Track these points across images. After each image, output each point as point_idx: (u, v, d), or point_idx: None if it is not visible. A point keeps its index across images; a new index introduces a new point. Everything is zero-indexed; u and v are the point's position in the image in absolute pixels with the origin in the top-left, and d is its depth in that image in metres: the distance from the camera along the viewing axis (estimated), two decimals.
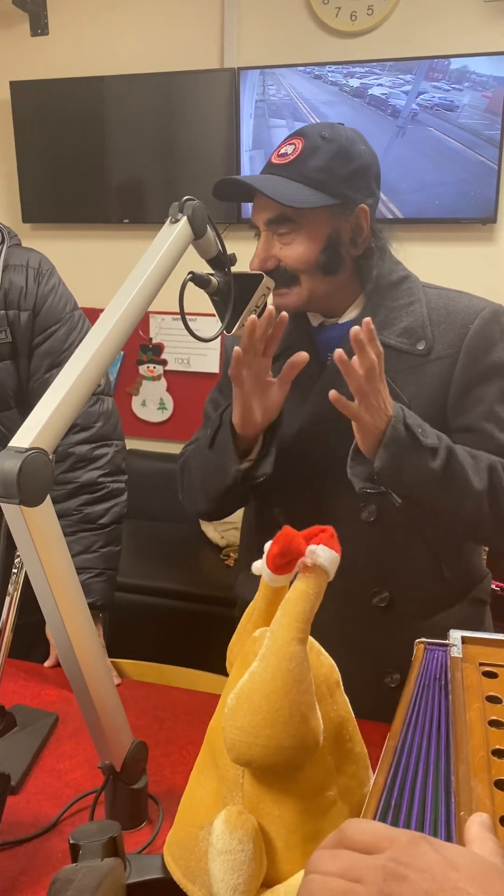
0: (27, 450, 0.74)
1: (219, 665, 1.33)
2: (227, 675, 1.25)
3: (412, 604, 1.20)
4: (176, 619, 2.73)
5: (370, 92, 2.76)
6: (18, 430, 0.77)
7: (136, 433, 3.36)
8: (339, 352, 0.99)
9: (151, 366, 3.33)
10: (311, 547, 0.65)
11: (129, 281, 0.91)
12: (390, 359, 1.13)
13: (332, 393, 1.01)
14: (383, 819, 0.57)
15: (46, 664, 1.31)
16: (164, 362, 3.31)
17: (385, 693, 1.18)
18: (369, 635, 1.20)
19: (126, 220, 3.14)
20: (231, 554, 2.91)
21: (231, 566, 2.85)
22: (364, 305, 1.20)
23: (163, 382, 3.35)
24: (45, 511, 0.76)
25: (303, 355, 1.11)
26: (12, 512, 0.74)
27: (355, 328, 0.98)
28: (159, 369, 3.33)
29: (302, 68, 2.80)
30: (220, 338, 1.08)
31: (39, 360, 1.34)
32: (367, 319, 1.00)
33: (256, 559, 0.75)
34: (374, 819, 0.57)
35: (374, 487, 1.07)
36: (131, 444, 2.96)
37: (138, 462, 3.18)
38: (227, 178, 1.15)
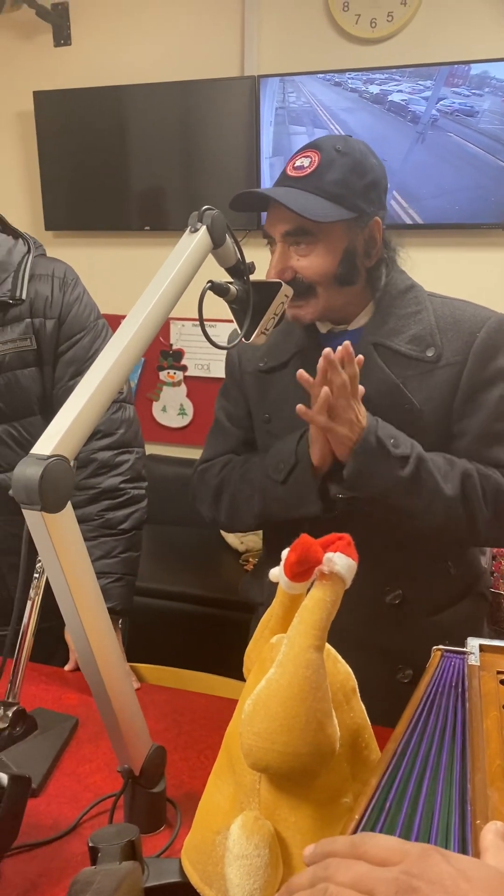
0: (49, 457, 0.75)
1: (236, 670, 1.34)
2: (244, 680, 1.27)
3: (422, 600, 1.25)
4: (194, 623, 2.74)
5: (390, 98, 2.76)
6: (40, 438, 0.78)
7: (156, 438, 3.38)
8: (300, 372, 1.08)
9: (172, 371, 3.35)
10: (328, 555, 0.66)
11: (148, 290, 0.92)
12: (401, 365, 1.19)
13: (300, 407, 1.09)
14: (374, 822, 0.58)
15: (66, 668, 1.33)
16: (184, 368, 3.33)
17: (397, 689, 1.22)
18: (381, 632, 1.23)
19: (147, 228, 3.17)
20: (250, 559, 2.91)
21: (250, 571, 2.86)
22: (373, 313, 1.23)
23: (183, 388, 3.37)
24: (67, 517, 0.77)
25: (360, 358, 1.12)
26: (34, 518, 0.76)
27: (328, 350, 1.04)
28: (179, 375, 3.35)
29: (322, 75, 2.82)
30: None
31: (64, 368, 1.36)
32: (347, 343, 1.06)
33: (274, 564, 0.77)
34: (361, 823, 0.58)
35: (345, 493, 1.15)
36: (151, 449, 2.98)
37: (158, 467, 3.20)
38: (247, 190, 1.17)
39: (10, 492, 0.75)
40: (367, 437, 1.09)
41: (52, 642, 1.33)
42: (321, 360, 1.05)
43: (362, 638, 1.06)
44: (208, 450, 1.42)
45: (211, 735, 1.14)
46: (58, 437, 0.77)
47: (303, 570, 0.67)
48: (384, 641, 1.23)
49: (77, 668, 1.31)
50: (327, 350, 1.05)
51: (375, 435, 1.10)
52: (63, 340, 1.36)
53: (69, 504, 0.78)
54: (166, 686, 1.29)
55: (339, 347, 1.05)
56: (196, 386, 3.35)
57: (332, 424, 1.08)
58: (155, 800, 0.93)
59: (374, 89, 2.77)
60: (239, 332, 1.12)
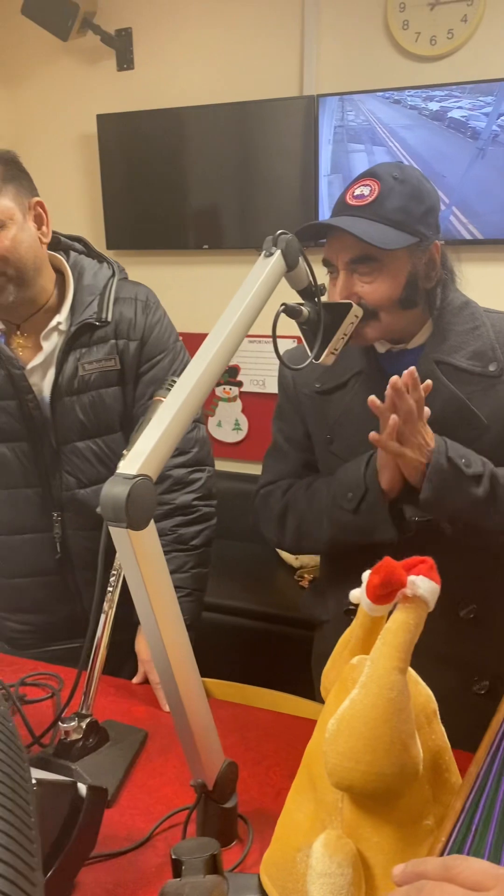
0: (134, 476, 0.77)
1: (289, 685, 1.35)
2: (301, 694, 1.29)
3: (497, 614, 1.26)
4: (246, 637, 2.74)
5: (450, 115, 2.76)
6: (126, 457, 0.81)
7: (217, 454, 3.41)
8: (372, 398, 1.08)
9: (227, 387, 3.38)
10: (412, 578, 0.67)
11: (226, 314, 0.94)
12: (464, 381, 1.21)
13: (372, 434, 1.09)
14: (461, 845, 0.58)
15: (135, 681, 1.35)
16: (239, 384, 3.36)
17: (473, 701, 1.24)
18: (456, 646, 1.24)
19: (205, 246, 3.22)
20: (305, 575, 2.91)
21: (305, 587, 2.86)
22: (432, 332, 1.25)
23: (238, 403, 3.40)
24: (150, 534, 0.80)
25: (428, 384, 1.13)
26: (119, 534, 0.78)
27: (395, 378, 1.05)
28: (235, 391, 3.38)
29: (381, 93, 2.83)
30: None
31: (144, 388, 1.41)
32: (412, 369, 1.07)
33: (339, 581, 0.78)
34: (448, 845, 0.58)
35: (423, 516, 1.16)
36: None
37: (222, 483, 3.22)
38: (313, 223, 1.20)
39: (98, 509, 0.77)
40: (437, 460, 1.10)
41: (121, 655, 1.35)
42: (388, 389, 1.06)
43: (437, 651, 1.06)
44: (269, 472, 1.44)
45: (278, 752, 1.15)
46: (143, 457, 0.80)
47: (386, 593, 0.68)
48: (459, 654, 1.24)
49: (145, 681, 1.34)
50: (394, 378, 1.06)
51: (446, 456, 1.11)
52: (144, 361, 1.41)
53: (152, 521, 0.80)
54: (232, 701, 1.31)
55: (405, 373, 1.06)
56: (251, 402, 3.37)
57: (403, 450, 1.09)
58: (227, 815, 0.95)
59: (434, 106, 2.77)
60: (309, 352, 1.14)
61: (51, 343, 1.35)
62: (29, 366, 1.35)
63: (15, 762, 0.50)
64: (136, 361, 1.40)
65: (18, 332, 1.36)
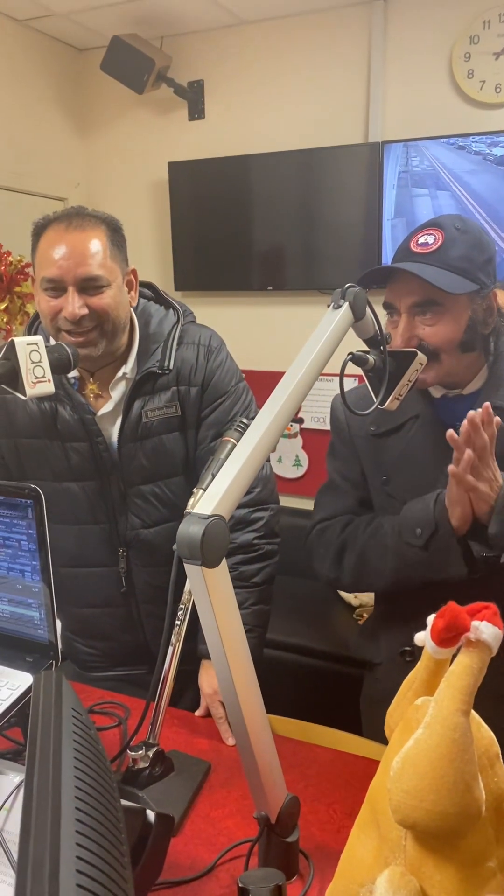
0: (209, 516, 0.82)
1: (342, 723, 1.35)
2: (357, 733, 1.29)
3: None
4: (303, 675, 2.74)
5: None
6: (199, 496, 0.86)
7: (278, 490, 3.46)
8: (450, 433, 1.11)
9: (289, 424, 3.43)
10: (476, 623, 0.69)
11: (296, 362, 0.99)
12: None
13: (451, 467, 1.12)
14: None
15: (197, 713, 1.38)
16: (300, 420, 3.41)
17: None
18: None
19: (269, 288, 3.30)
20: (364, 614, 2.91)
21: (361, 629, 2.85)
22: (488, 378, 1.30)
23: (299, 440, 3.45)
24: (222, 572, 0.84)
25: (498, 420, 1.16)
26: (194, 572, 0.83)
27: (472, 412, 1.09)
28: (296, 427, 3.43)
29: (445, 139, 2.88)
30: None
31: (206, 431, 1.46)
32: (487, 404, 1.11)
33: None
34: None
35: (492, 552, 1.17)
36: None
37: (282, 518, 3.26)
38: (381, 266, 1.26)
39: (174, 546, 0.82)
40: None
41: (179, 686, 1.39)
42: (465, 423, 1.10)
43: (498, 690, 1.08)
44: (324, 508, 1.46)
45: (338, 789, 1.17)
46: (217, 497, 0.84)
47: (450, 637, 0.70)
48: None
49: (208, 714, 1.37)
50: (472, 413, 1.10)
51: None
52: (206, 406, 1.46)
53: (224, 559, 0.84)
54: (293, 738, 1.33)
55: (481, 409, 1.10)
56: (312, 438, 3.42)
57: (478, 483, 1.12)
58: (289, 849, 0.97)
59: (499, 151, 2.81)
60: (374, 398, 1.18)
61: (118, 392, 1.43)
62: (100, 412, 1.43)
63: (109, 791, 0.54)
64: (197, 406, 1.46)
65: (91, 380, 1.44)
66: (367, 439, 1.38)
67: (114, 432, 1.44)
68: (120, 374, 1.42)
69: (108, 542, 1.49)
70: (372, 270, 1.26)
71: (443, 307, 1.22)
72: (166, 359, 1.43)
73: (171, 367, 1.43)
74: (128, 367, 1.42)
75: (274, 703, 1.55)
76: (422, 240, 1.24)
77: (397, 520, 1.28)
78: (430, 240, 1.23)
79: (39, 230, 1.34)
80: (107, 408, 1.43)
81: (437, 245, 1.22)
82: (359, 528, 1.37)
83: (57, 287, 1.30)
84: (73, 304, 1.29)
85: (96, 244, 1.31)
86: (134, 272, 1.42)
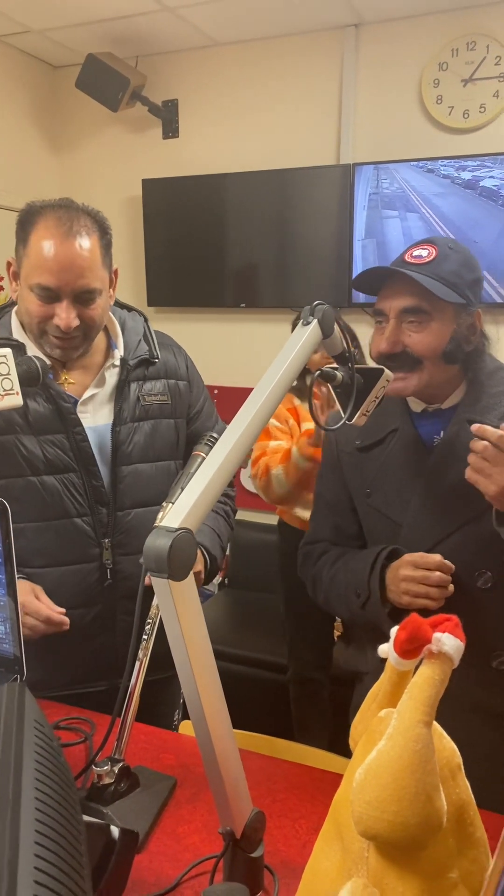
0: (177, 529, 0.82)
1: (314, 739, 1.36)
2: (329, 750, 1.30)
3: None
4: (271, 690, 2.75)
5: (482, 184, 2.86)
6: (169, 511, 0.86)
7: (241, 504, 3.45)
8: (480, 444, 1.12)
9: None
10: (437, 635, 0.70)
11: (265, 378, 1.00)
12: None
13: (469, 474, 1.13)
14: None
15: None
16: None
17: None
18: (489, 697, 1.26)
19: (242, 305, 3.33)
20: (338, 626, 2.91)
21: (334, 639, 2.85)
22: (465, 393, 1.33)
23: None
24: (189, 585, 0.84)
25: None
26: (161, 585, 0.83)
27: (477, 426, 1.11)
28: None
29: (415, 163, 2.94)
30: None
31: (198, 423, 1.59)
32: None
33: (378, 636, 0.81)
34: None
35: None
36: (238, 515, 3.05)
37: (244, 533, 3.26)
38: (380, 267, 1.29)
39: (141, 559, 0.82)
40: None
41: (153, 697, 1.38)
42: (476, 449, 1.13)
43: (469, 701, 1.10)
44: (311, 530, 1.54)
45: (304, 804, 1.17)
46: (185, 511, 0.85)
47: (412, 648, 0.71)
48: (492, 704, 1.26)
49: (175, 730, 1.36)
50: (480, 443, 1.12)
51: None
52: (195, 401, 1.59)
53: (191, 573, 0.85)
54: (259, 753, 1.32)
55: (478, 425, 1.13)
56: None
57: (488, 484, 1.12)
58: (254, 864, 0.96)
59: (467, 175, 2.87)
60: (343, 414, 1.20)
61: (113, 375, 1.49)
62: (83, 398, 1.45)
63: (71, 805, 0.54)
64: (186, 400, 1.57)
65: (65, 369, 1.45)
66: (353, 454, 1.43)
67: (101, 416, 1.47)
68: (116, 360, 1.48)
69: (91, 534, 1.47)
70: (368, 270, 1.29)
71: (430, 316, 1.26)
72: (153, 349, 1.52)
73: (159, 357, 1.52)
74: (120, 354, 1.49)
75: (243, 720, 1.55)
76: (416, 252, 1.29)
77: (349, 572, 1.35)
78: (425, 253, 1.28)
79: (30, 218, 1.34)
80: (89, 392, 1.46)
81: (430, 258, 1.27)
82: (325, 567, 1.45)
83: (51, 295, 1.32)
84: (69, 317, 1.32)
85: (93, 254, 1.34)
86: (116, 272, 1.46)
